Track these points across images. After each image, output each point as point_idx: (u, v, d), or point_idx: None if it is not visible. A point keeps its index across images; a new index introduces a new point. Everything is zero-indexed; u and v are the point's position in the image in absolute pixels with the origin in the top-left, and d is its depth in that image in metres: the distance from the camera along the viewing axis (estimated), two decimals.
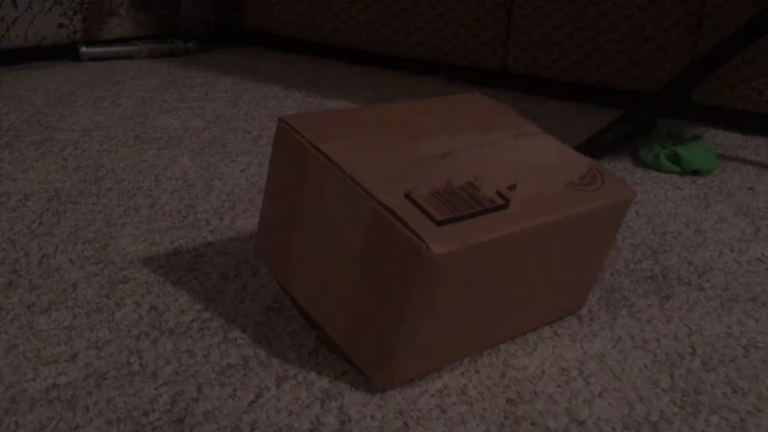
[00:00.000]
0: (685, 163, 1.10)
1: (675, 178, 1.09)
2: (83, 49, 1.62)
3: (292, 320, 0.64)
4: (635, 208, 0.96)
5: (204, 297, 0.67)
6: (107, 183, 0.93)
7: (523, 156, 0.63)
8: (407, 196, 0.52)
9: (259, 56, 1.85)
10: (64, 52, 1.63)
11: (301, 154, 0.57)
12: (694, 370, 0.60)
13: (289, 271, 0.61)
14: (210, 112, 1.30)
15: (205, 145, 1.11)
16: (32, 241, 0.76)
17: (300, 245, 0.59)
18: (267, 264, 0.64)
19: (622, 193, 0.63)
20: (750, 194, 1.03)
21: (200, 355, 0.58)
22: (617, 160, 1.15)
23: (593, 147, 1.13)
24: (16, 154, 1.02)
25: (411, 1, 1.66)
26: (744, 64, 1.33)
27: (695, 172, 1.11)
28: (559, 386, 0.57)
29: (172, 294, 0.67)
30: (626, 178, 1.08)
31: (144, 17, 1.73)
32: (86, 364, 0.56)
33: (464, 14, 1.61)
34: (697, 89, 1.38)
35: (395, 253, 0.50)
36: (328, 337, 0.58)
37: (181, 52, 1.80)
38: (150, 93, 1.40)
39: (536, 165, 0.62)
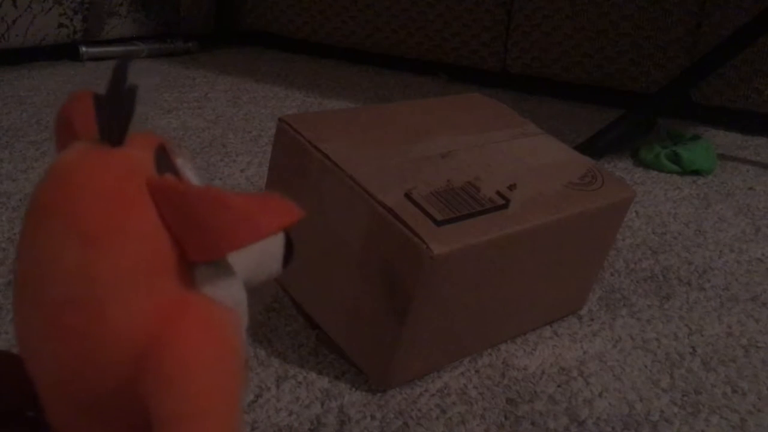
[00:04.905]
0: (685, 163, 1.10)
1: (675, 178, 1.09)
2: (83, 49, 1.62)
3: (292, 320, 0.64)
4: (635, 208, 0.96)
5: None
6: None
7: (523, 156, 0.63)
8: (407, 196, 0.52)
9: (259, 56, 1.85)
10: (64, 52, 1.63)
11: (301, 154, 0.57)
12: (694, 370, 0.60)
13: (288, 271, 0.61)
14: (210, 112, 1.30)
15: (205, 145, 1.11)
16: None
17: (300, 245, 0.59)
18: None
19: (622, 193, 0.63)
20: (750, 194, 1.03)
21: None
22: (617, 160, 1.15)
23: (593, 147, 1.13)
24: (16, 154, 1.02)
25: (411, 1, 1.66)
26: (744, 64, 1.33)
27: (695, 172, 1.11)
28: (559, 386, 0.57)
29: None
30: (626, 178, 1.08)
31: (144, 17, 1.73)
32: None
33: (464, 14, 1.61)
34: (697, 89, 1.38)
35: (395, 253, 0.50)
36: (328, 337, 0.58)
37: (181, 52, 1.80)
38: (150, 93, 1.40)
39: (536, 165, 0.62)
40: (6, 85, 1.39)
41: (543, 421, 0.53)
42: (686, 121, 1.42)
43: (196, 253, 0.32)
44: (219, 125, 1.22)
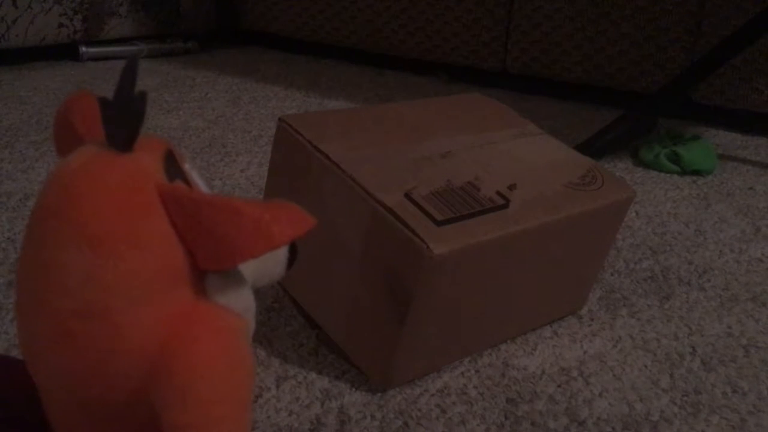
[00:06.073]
0: (685, 163, 1.10)
1: (675, 178, 1.09)
2: (83, 49, 1.62)
3: (292, 320, 0.64)
4: (635, 208, 0.96)
5: None
6: None
7: (523, 156, 0.63)
8: (407, 196, 0.52)
9: (259, 56, 1.85)
10: (64, 52, 1.63)
11: (301, 154, 0.57)
12: (694, 370, 0.60)
13: (289, 271, 0.61)
14: (210, 112, 1.30)
15: (205, 145, 1.11)
16: None
17: (300, 245, 0.59)
18: None
19: (622, 193, 0.63)
20: (750, 194, 1.03)
21: None
22: (617, 160, 1.15)
23: (593, 147, 1.13)
24: (16, 154, 1.02)
25: (411, 1, 1.66)
26: (744, 64, 1.33)
27: (695, 172, 1.11)
28: (559, 386, 0.57)
29: None
30: (626, 178, 1.08)
31: (144, 17, 1.73)
32: None
33: (464, 14, 1.61)
34: (697, 89, 1.38)
35: (395, 253, 0.50)
36: (328, 337, 0.58)
37: (181, 52, 1.80)
38: (150, 93, 1.40)
39: (536, 165, 0.62)
40: (6, 85, 1.39)
41: (543, 421, 0.53)
42: (686, 121, 1.42)
43: (208, 263, 0.32)
44: (219, 125, 1.22)
